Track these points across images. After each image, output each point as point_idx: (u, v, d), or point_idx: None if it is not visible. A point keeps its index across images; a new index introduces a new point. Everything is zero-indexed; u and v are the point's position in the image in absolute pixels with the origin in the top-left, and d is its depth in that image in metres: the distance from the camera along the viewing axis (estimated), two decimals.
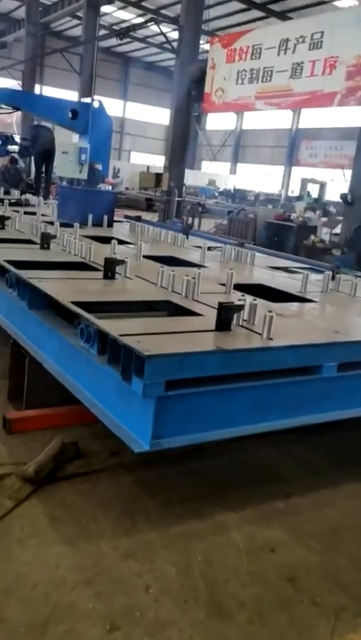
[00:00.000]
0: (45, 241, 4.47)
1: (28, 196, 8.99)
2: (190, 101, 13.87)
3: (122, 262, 3.66)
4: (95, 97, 11.12)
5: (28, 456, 3.12)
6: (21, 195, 9.24)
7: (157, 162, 37.22)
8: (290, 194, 30.57)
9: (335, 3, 21.53)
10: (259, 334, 2.63)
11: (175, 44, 15.79)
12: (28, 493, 2.75)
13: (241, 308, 2.67)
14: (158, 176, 16.23)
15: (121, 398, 2.46)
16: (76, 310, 2.72)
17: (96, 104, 9.10)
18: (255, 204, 22.51)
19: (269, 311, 2.60)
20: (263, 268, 4.94)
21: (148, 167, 30.33)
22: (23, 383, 3.58)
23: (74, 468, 3.02)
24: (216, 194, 30.43)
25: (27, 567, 2.29)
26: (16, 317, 3.57)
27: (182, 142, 14.95)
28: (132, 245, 5.21)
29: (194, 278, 3.28)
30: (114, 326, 2.54)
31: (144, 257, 4.49)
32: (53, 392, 3.52)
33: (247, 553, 2.53)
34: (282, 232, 11.78)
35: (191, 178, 27.30)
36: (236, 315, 2.72)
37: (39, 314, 3.25)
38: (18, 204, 7.76)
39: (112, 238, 5.70)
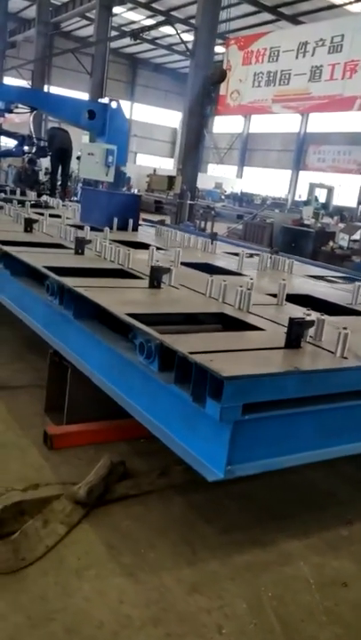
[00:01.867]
0: (80, 246, 4.31)
1: (45, 197, 8.84)
2: (206, 103, 13.72)
3: (168, 270, 3.50)
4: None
5: (72, 475, 2.97)
6: (38, 196, 9.08)
7: (164, 164, 37.15)
8: (297, 198, 30.45)
9: (347, 7, 21.43)
10: (330, 352, 2.47)
11: (185, 46, 15.69)
12: (79, 518, 2.59)
13: (312, 324, 2.51)
14: (171, 179, 16.07)
15: (188, 420, 2.29)
16: (135, 324, 2.55)
17: (114, 104, 8.97)
18: (263, 209, 22.38)
19: (344, 328, 2.43)
20: (302, 277, 4.78)
21: (154, 169, 30.20)
22: (62, 395, 3.42)
23: (124, 490, 2.86)
24: (223, 197, 30.30)
25: (88, 603, 2.12)
26: (57, 327, 3.40)
27: (195, 145, 14.81)
28: (162, 251, 5.05)
29: (249, 289, 3.12)
30: (177, 342, 2.38)
31: (181, 264, 4.33)
32: (94, 406, 3.38)
33: (319, 588, 2.36)
34: (299, 238, 11.62)
35: (198, 181, 27.13)
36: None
37: (85, 324, 3.08)
38: (38, 205, 7.59)
39: (141, 243, 5.57)
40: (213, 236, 6.14)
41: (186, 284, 3.67)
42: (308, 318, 2.50)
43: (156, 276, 3.41)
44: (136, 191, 13.66)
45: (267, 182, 34.94)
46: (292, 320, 2.46)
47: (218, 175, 35.50)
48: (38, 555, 2.30)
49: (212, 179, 33.88)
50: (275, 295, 3.60)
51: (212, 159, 37.05)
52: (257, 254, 5.60)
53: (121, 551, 2.43)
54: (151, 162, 35.31)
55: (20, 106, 9.04)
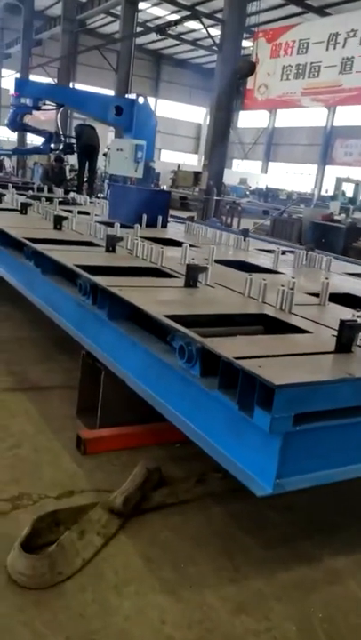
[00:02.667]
0: (111, 243, 4.19)
1: (73, 194, 8.77)
2: (233, 98, 13.51)
3: (204, 269, 3.36)
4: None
5: (107, 481, 2.86)
6: (65, 193, 9.02)
7: (188, 160, 36.94)
8: (323, 193, 29.96)
9: None
10: None
11: (212, 41, 15.48)
12: (116, 528, 2.48)
13: None
14: (197, 175, 15.91)
15: (232, 429, 2.15)
16: (175, 326, 2.42)
17: (141, 100, 8.85)
18: (291, 204, 22.02)
19: None
20: (340, 274, 4.60)
21: (178, 165, 30.06)
22: (94, 397, 3.31)
23: (160, 499, 2.74)
24: (247, 193, 29.99)
25: (129, 623, 2.01)
26: (90, 327, 3.30)
27: (222, 140, 14.61)
28: (194, 248, 4.91)
29: (291, 289, 2.96)
30: (220, 345, 2.24)
31: (215, 262, 4.18)
32: (127, 409, 3.27)
33: None
34: (329, 233, 11.36)
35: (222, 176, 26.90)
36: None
37: (119, 325, 2.97)
38: (65, 202, 7.52)
39: (172, 240, 5.45)
40: (245, 233, 5.98)
41: (221, 283, 3.54)
42: (360, 320, 2.34)
43: (192, 275, 3.28)
44: (164, 187, 13.54)
45: (292, 177, 34.50)
46: (343, 322, 2.31)
47: (242, 171, 35.18)
48: (75, 568, 2.20)
49: (237, 174, 33.57)
50: (315, 294, 3.44)
51: (237, 154, 36.72)
52: (291, 251, 5.43)
53: (160, 565, 2.31)
54: (175, 158, 35.15)
55: (47, 102, 9.00)
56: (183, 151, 38.81)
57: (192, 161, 37.66)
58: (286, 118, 34.50)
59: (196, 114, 39.65)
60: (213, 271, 3.64)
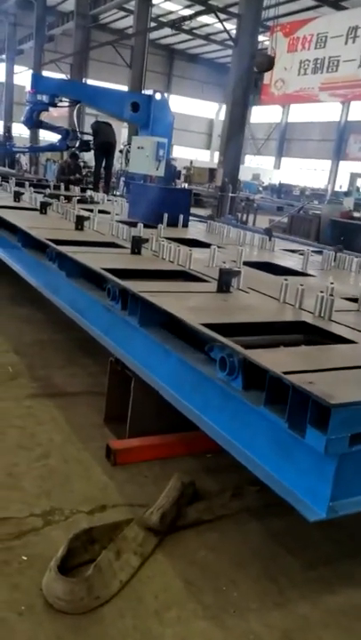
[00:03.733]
0: (137, 245, 4.09)
1: (90, 192, 8.67)
2: (249, 93, 13.31)
3: (238, 273, 3.25)
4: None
5: (139, 495, 2.76)
6: (82, 191, 8.92)
7: (200, 156, 36.68)
8: (337, 189, 29.63)
9: None
10: None
11: (228, 35, 15.27)
12: (153, 547, 2.37)
13: None
14: (212, 171, 15.74)
15: (280, 448, 2.04)
16: (215, 336, 2.31)
17: (158, 96, 8.71)
18: (309, 201, 21.76)
19: None
20: None
21: (191, 162, 29.83)
22: (122, 405, 3.21)
23: (196, 514, 2.63)
24: (260, 189, 29.71)
25: None
26: (119, 333, 3.19)
27: (238, 136, 14.42)
28: (219, 249, 4.78)
29: (331, 295, 2.84)
30: (265, 357, 2.13)
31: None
32: (157, 418, 3.17)
33: None
34: (349, 231, 11.17)
35: (238, 172, 26.67)
36: None
37: (151, 332, 2.86)
38: (84, 201, 7.42)
39: (196, 240, 5.33)
40: (269, 232, 5.85)
41: (254, 287, 3.42)
42: None
43: (225, 280, 3.16)
44: (184, 185, 13.38)
45: (305, 173, 34.16)
46: None
47: (255, 166, 34.88)
48: (113, 592, 2.10)
49: (250, 170, 33.27)
50: (353, 299, 3.32)
51: (250, 150, 36.40)
52: (318, 252, 5.29)
53: (201, 588, 2.20)
54: (187, 154, 34.92)
55: (62, 99, 8.89)
56: (195, 147, 38.55)
57: (204, 157, 37.40)
58: (300, 113, 34.16)
59: (208, 109, 39.38)
60: (243, 274, 3.52)
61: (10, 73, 30.52)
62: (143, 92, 16.82)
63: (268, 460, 2.10)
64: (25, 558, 2.22)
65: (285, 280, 3.12)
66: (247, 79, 13.70)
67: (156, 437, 3.17)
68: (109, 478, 2.86)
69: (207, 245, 4.78)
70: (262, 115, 35.62)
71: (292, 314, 2.93)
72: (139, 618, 2.02)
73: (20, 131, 26.46)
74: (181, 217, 6.09)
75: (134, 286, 3.01)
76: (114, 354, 3.24)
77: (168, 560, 2.33)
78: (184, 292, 3.20)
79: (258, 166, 35.08)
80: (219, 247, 4.54)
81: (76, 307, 3.75)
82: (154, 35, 28.66)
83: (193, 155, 35.13)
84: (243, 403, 2.22)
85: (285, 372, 1.97)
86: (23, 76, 29.53)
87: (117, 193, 10.57)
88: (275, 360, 2.12)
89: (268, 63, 12.21)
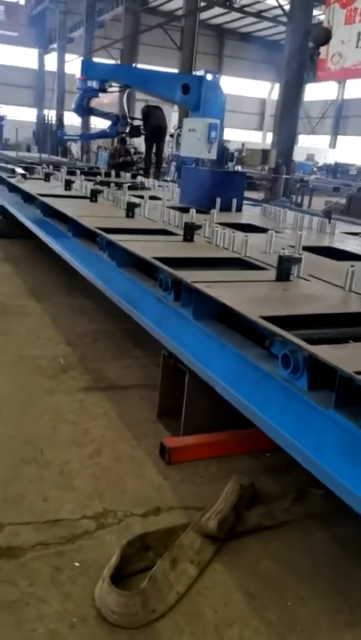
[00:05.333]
0: (189, 232, 3.91)
1: (140, 178, 8.54)
2: (304, 70, 12.79)
3: (299, 261, 3.02)
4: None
5: (195, 496, 2.62)
6: (133, 177, 8.81)
7: (252, 137, 35.90)
8: None
9: None
10: None
11: (282, 10, 14.71)
12: (210, 555, 2.23)
13: None
14: (265, 152, 15.31)
15: (352, 455, 1.84)
16: (275, 330, 2.12)
17: (209, 77, 8.43)
18: (358, 179, 20.86)
19: None
20: None
21: (243, 144, 29.24)
22: (176, 400, 3.07)
23: (256, 519, 2.46)
24: (315, 169, 28.79)
25: None
26: (172, 326, 3.04)
27: (292, 115, 13.93)
28: (276, 234, 4.54)
29: None
30: (333, 355, 1.92)
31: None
32: (212, 414, 3.01)
33: None
34: None
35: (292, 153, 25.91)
36: None
37: (206, 326, 2.69)
38: (134, 187, 7.30)
39: (251, 225, 5.10)
40: (328, 214, 5.54)
41: (315, 275, 3.18)
42: None
43: (285, 268, 2.95)
44: (238, 168, 13.04)
45: None
46: None
47: (309, 146, 33.84)
48: (170, 605, 1.97)
49: (303, 150, 32.27)
50: None
51: (303, 130, 35.29)
52: None
53: (264, 603, 2.04)
54: (239, 136, 34.24)
55: (112, 84, 8.77)
56: (247, 128, 37.74)
57: (256, 138, 36.61)
58: (357, 89, 32.78)
59: (260, 89, 38.45)
60: (304, 260, 3.28)
61: (61, 61, 30.70)
62: (197, 72, 16.54)
63: (337, 467, 1.90)
64: (77, 564, 2.12)
65: (352, 266, 2.88)
66: (301, 56, 13.17)
67: (211, 435, 3.02)
68: (164, 478, 2.73)
69: (263, 230, 4.55)
70: (317, 92, 34.38)
71: (359, 303, 2.69)
72: (198, 635, 1.88)
73: (73, 119, 26.68)
74: (235, 201, 5.86)
75: (187, 276, 2.85)
76: (166, 347, 3.10)
77: (228, 570, 2.18)
78: (240, 281, 3.00)
79: (312, 146, 34.02)
80: (276, 232, 4.31)
81: (128, 297, 3.61)
82: (204, 15, 28.08)
83: (245, 136, 34.44)
84: (307, 402, 2.03)
85: (358, 372, 1.76)
86: (74, 65, 29.64)
87: (168, 178, 10.39)
88: (344, 357, 1.91)
89: (325, 36, 11.64)
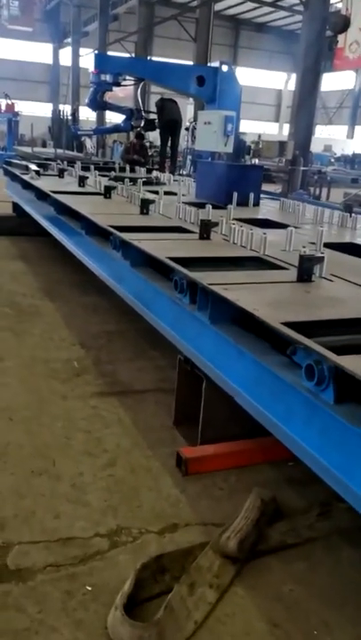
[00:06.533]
0: (205, 230, 3.76)
1: (155, 173, 8.39)
2: (322, 58, 12.49)
3: (321, 260, 2.86)
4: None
5: (214, 511, 2.49)
6: (148, 172, 8.66)
7: (268, 129, 35.43)
8: None
9: None
10: None
11: (291, 1, 14.40)
12: (230, 578, 2.09)
13: None
14: (282, 144, 15.04)
15: None
16: (298, 338, 1.96)
17: (225, 68, 8.23)
18: None
19: None
20: None
21: (259, 135, 28.86)
22: (192, 407, 2.94)
23: (279, 537, 2.32)
24: (332, 160, 28.32)
25: None
26: (187, 330, 2.90)
27: (309, 105, 13.64)
28: (295, 230, 4.36)
29: None
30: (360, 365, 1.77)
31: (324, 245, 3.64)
32: (231, 422, 2.87)
33: None
34: None
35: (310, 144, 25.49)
36: None
37: (224, 330, 2.55)
38: (149, 182, 7.15)
39: (269, 221, 4.93)
40: (349, 208, 5.34)
41: (338, 274, 3.01)
42: None
43: (307, 268, 2.78)
44: (255, 161, 12.81)
45: None
46: None
47: (326, 137, 33.31)
48: (187, 635, 1.84)
49: (321, 141, 31.75)
50: None
51: (320, 120, 34.73)
52: None
53: (288, 632, 1.90)
54: (255, 127, 33.83)
55: (126, 78, 8.61)
56: (263, 120, 37.27)
57: (272, 130, 36.14)
58: None
59: (276, 80, 37.93)
60: (326, 259, 3.11)
61: (75, 56, 30.57)
62: (212, 63, 16.29)
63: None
64: (89, 589, 2.00)
65: None
66: (319, 45, 12.86)
67: (230, 444, 2.88)
68: (180, 491, 2.60)
69: (282, 226, 4.38)
70: (334, 82, 33.79)
71: None
72: None
73: (88, 114, 26.56)
74: (252, 195, 5.68)
75: (203, 278, 2.70)
76: (182, 351, 2.96)
77: (249, 595, 2.04)
78: (259, 282, 2.84)
79: (329, 136, 33.48)
80: (295, 227, 4.14)
81: (142, 298, 3.48)
82: (219, 6, 27.72)
83: (261, 128, 34.01)
84: (333, 416, 1.88)
85: None
86: (89, 59, 29.49)
87: (184, 172, 10.23)
88: None
89: (343, 23, 11.33)
